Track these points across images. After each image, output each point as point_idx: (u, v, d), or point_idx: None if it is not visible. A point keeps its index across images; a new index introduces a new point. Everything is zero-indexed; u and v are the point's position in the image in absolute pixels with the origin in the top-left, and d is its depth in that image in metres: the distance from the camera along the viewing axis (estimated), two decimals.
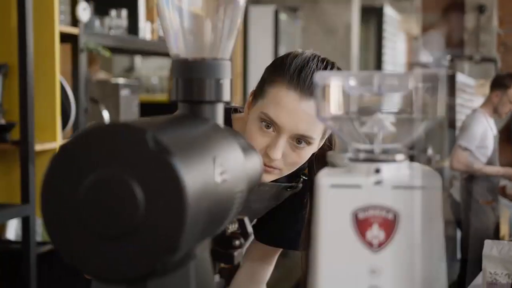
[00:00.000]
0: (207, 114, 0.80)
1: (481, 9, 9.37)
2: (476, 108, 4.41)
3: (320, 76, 0.70)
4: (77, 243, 0.62)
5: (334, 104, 0.71)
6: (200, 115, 0.80)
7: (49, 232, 0.62)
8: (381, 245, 0.67)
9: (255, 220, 1.46)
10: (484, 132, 4.18)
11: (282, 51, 5.66)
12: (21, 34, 2.33)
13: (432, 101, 0.69)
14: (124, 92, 2.98)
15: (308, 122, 1.21)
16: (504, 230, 4.67)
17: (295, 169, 1.28)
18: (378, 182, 0.67)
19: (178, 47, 0.82)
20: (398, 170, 0.69)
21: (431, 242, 0.67)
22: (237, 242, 0.83)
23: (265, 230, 1.44)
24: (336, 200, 0.68)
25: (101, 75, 3.77)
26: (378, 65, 7.39)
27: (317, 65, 1.25)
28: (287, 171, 1.27)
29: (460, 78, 7.25)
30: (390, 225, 0.67)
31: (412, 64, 9.28)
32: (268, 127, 1.23)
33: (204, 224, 0.65)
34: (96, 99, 2.92)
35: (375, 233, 0.67)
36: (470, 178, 4.28)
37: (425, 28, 10.03)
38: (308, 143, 1.23)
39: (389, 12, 7.51)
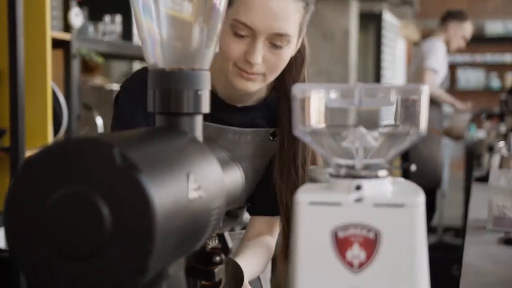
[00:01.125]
0: (185, 127, 0.78)
1: None
2: (430, 39, 4.57)
3: (299, 89, 0.68)
4: (41, 261, 0.59)
5: (314, 117, 0.69)
6: (178, 127, 0.77)
7: (11, 248, 0.59)
8: (362, 265, 0.64)
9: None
10: (443, 57, 4.35)
11: None
12: (12, 40, 2.30)
13: (415, 115, 0.66)
14: None
15: (282, 18, 1.17)
16: None
17: (278, 72, 1.25)
18: (358, 200, 0.65)
19: (156, 56, 0.79)
20: (380, 186, 0.66)
21: (414, 262, 0.64)
22: (217, 258, 0.80)
23: (259, 202, 1.42)
24: (315, 218, 0.65)
25: (98, 80, 3.75)
26: (377, 71, 7.37)
27: None
28: (271, 76, 1.24)
29: (387, 17, 7.23)
30: (371, 245, 0.64)
31: None
32: (242, 34, 1.19)
33: (176, 243, 0.63)
34: (90, 105, 2.89)
35: (356, 252, 0.64)
36: None
37: (425, 34, 10.03)
38: (286, 41, 1.20)
39: (388, 18, 7.49)
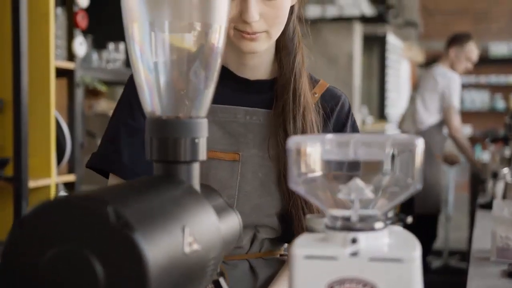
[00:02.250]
0: (182, 175, 0.78)
1: None
2: (437, 65, 4.56)
3: (293, 141, 0.68)
4: None
5: (309, 169, 0.68)
6: (175, 175, 0.77)
7: None
8: None
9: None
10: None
11: None
12: (16, 69, 2.32)
13: (410, 168, 0.66)
14: None
15: None
16: None
17: (282, 26, 1.17)
18: (354, 254, 0.64)
19: (153, 104, 0.80)
20: (376, 239, 0.66)
21: None
22: None
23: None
24: (310, 272, 0.65)
25: (103, 104, 3.76)
26: (381, 93, 7.38)
27: None
28: (275, 32, 1.17)
29: (391, 39, 7.23)
30: None
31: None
32: None
33: None
34: (93, 132, 2.90)
35: None
36: (427, 131, 4.35)
37: (429, 55, 10.06)
38: None
39: (392, 40, 7.51)
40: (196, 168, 0.79)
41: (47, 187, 2.47)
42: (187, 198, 0.72)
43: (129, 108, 1.23)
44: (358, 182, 0.68)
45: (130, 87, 1.23)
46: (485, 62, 10.02)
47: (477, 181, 4.68)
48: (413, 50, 8.86)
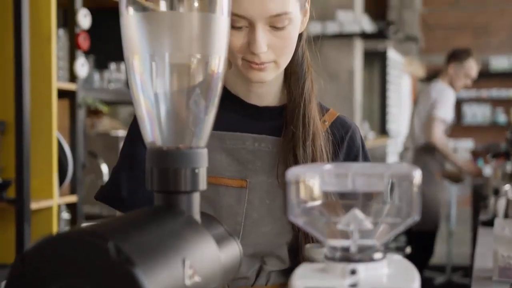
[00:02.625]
0: (183, 205, 0.78)
1: None
2: (437, 80, 4.56)
3: (292, 173, 0.68)
4: None
5: (307, 200, 0.69)
6: (176, 206, 0.78)
7: None
8: None
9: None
10: (453, 105, 4.39)
11: None
12: (18, 91, 2.33)
13: (408, 198, 0.67)
14: None
15: None
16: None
17: (291, 55, 1.16)
18: (353, 285, 0.65)
19: (153, 135, 0.80)
20: (375, 270, 0.67)
21: None
22: None
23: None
24: None
25: (106, 121, 3.77)
26: (383, 108, 7.39)
27: None
28: (284, 61, 1.16)
29: (391, 54, 7.24)
30: None
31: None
32: (239, 26, 1.12)
33: None
34: (95, 153, 2.91)
35: None
36: (425, 148, 4.34)
37: (430, 70, 10.10)
38: (287, 20, 1.12)
39: (393, 55, 7.53)
40: (196, 197, 0.80)
41: (49, 209, 2.47)
42: (187, 229, 0.73)
43: (131, 141, 1.24)
44: (357, 212, 0.69)
45: (135, 120, 1.24)
46: (486, 76, 10.05)
47: (479, 196, 4.67)
48: (414, 65, 8.89)
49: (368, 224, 0.68)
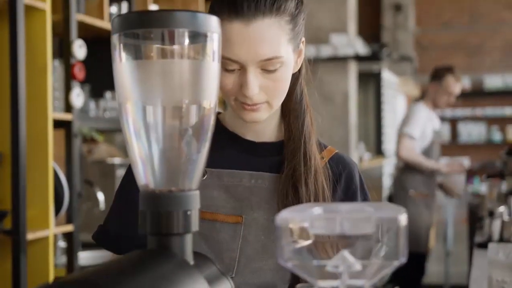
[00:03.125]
0: (176, 247, 0.80)
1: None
2: (419, 102, 4.61)
3: (282, 218, 0.70)
4: None
5: (296, 243, 0.71)
6: (169, 248, 0.79)
7: None
8: None
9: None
10: (425, 123, 4.36)
11: None
12: (14, 122, 2.35)
13: (395, 242, 0.68)
14: (120, 172, 2.99)
15: (265, 42, 1.10)
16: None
17: (283, 95, 1.17)
18: None
19: (146, 178, 0.82)
20: None
21: None
22: None
23: None
24: None
25: (103, 147, 3.78)
26: (378, 129, 7.42)
27: None
28: (276, 102, 1.17)
29: (386, 75, 7.28)
30: None
31: None
32: (231, 68, 1.13)
33: None
34: (91, 181, 2.92)
35: None
36: (404, 169, 4.35)
37: (424, 89, 10.15)
38: (279, 63, 1.12)
39: (387, 76, 7.58)
40: (189, 239, 0.81)
41: (45, 239, 2.47)
42: (179, 273, 0.74)
43: (125, 184, 1.26)
44: (346, 254, 0.71)
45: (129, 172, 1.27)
46: (481, 95, 10.11)
47: (475, 216, 4.68)
48: (408, 85, 8.94)
49: (357, 265, 0.70)
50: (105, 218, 1.29)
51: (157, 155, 0.81)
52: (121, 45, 0.79)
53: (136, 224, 1.14)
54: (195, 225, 0.81)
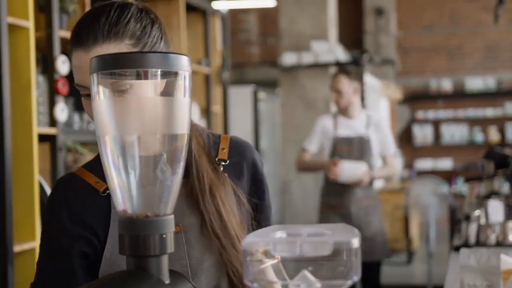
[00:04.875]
0: (152, 268, 0.87)
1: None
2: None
3: (246, 242, 0.77)
4: None
5: (260, 265, 0.78)
6: (146, 269, 0.86)
7: None
8: None
9: None
10: (321, 133, 4.20)
11: (263, 128, 5.78)
12: None
13: (348, 264, 0.76)
14: None
15: None
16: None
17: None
18: None
19: (124, 204, 0.89)
20: None
21: None
22: None
23: None
24: None
25: (88, 157, 3.82)
26: None
27: (102, 9, 1.19)
28: None
29: (368, 79, 7.40)
30: None
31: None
32: (85, 93, 1.18)
33: None
34: None
35: None
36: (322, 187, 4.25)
37: (407, 92, 10.28)
38: (129, 85, 1.10)
39: (369, 80, 7.68)
40: (165, 259, 0.88)
41: (32, 250, 2.53)
42: None
43: (48, 231, 1.26)
44: (306, 273, 0.78)
45: (50, 206, 1.26)
46: (462, 97, 10.25)
47: (455, 217, 4.76)
48: (391, 88, 9.04)
49: (317, 284, 0.77)
50: (36, 277, 1.26)
51: (134, 182, 0.88)
52: (99, 84, 0.86)
53: (69, 274, 1.18)
54: (170, 246, 0.89)
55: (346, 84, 4.08)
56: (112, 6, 1.20)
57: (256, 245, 0.77)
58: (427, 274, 5.61)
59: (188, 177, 1.26)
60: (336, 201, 4.13)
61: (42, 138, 2.67)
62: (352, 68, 4.29)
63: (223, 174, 1.29)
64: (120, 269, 1.20)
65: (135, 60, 0.85)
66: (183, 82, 0.88)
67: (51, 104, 2.70)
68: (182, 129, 0.89)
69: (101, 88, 0.87)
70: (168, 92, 0.87)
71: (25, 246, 2.48)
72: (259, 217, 1.33)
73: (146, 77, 0.86)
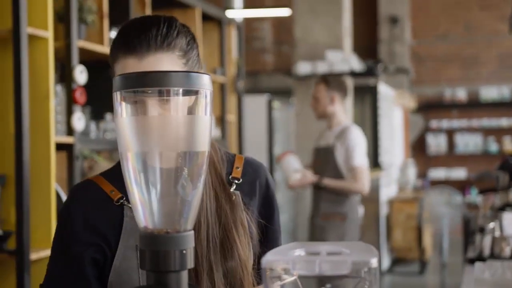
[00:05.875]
0: (172, 284, 0.88)
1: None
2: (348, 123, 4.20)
3: (266, 261, 0.78)
4: None
5: (280, 283, 0.79)
6: (166, 284, 0.88)
7: None
8: None
9: None
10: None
11: (277, 137, 5.79)
12: (18, 146, 2.43)
13: (367, 281, 0.77)
14: None
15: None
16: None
17: None
18: None
19: (146, 220, 0.90)
20: None
21: None
22: None
23: None
24: None
25: (103, 164, 3.85)
26: (375, 141, 7.50)
27: (150, 20, 1.22)
28: None
29: (382, 88, 7.38)
30: None
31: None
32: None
33: None
34: None
35: None
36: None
37: (421, 101, 10.25)
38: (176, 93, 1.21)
39: (384, 89, 7.67)
40: (184, 275, 0.90)
41: (48, 258, 2.55)
42: None
43: (61, 238, 1.27)
44: None
45: (66, 218, 1.27)
46: (477, 106, 10.21)
47: (469, 228, 4.74)
48: (405, 97, 9.03)
49: None
50: (45, 279, 1.27)
51: (155, 198, 0.90)
52: (122, 101, 0.87)
53: (78, 279, 1.18)
54: (190, 262, 0.90)
55: (323, 92, 4.02)
56: (160, 18, 1.22)
57: (276, 264, 0.79)
58: (440, 285, 5.59)
59: None
60: (311, 210, 4.12)
61: (59, 147, 2.70)
62: (337, 80, 4.14)
63: (234, 192, 1.29)
64: (129, 278, 1.22)
65: (158, 79, 0.87)
66: (205, 100, 0.89)
67: (69, 113, 2.73)
68: (203, 146, 0.90)
69: (123, 105, 0.88)
70: (189, 110, 0.89)
71: (42, 253, 2.51)
72: (266, 239, 1.33)
73: (168, 96, 0.87)
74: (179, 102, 0.88)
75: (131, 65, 1.19)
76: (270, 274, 0.79)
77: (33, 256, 2.46)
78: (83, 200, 1.27)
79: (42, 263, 2.55)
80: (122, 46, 1.20)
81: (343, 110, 4.12)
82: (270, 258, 0.79)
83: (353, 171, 3.92)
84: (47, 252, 2.54)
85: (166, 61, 1.19)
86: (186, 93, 0.88)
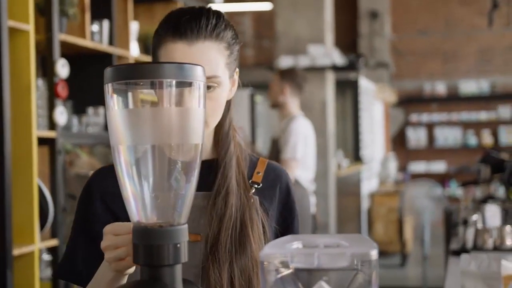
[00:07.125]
0: (166, 278, 0.87)
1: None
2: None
3: (264, 254, 0.77)
4: None
5: (278, 275, 0.78)
6: (160, 278, 0.86)
7: None
8: None
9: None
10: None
11: (259, 131, 5.78)
12: None
13: (366, 274, 0.76)
14: None
15: (207, 61, 1.18)
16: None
17: (219, 116, 1.24)
18: None
19: (138, 214, 0.89)
20: None
21: None
22: None
23: None
24: None
25: (84, 159, 3.81)
26: (356, 135, 7.53)
27: (200, 9, 1.24)
28: (213, 121, 1.23)
29: (363, 83, 7.42)
30: None
31: None
32: None
33: None
34: (75, 195, 2.97)
35: None
36: None
37: (401, 95, 10.30)
38: (216, 83, 1.20)
39: (364, 83, 7.70)
40: (178, 269, 0.89)
41: (31, 254, 2.52)
42: None
43: (85, 219, 1.27)
44: (323, 284, 0.78)
45: (86, 196, 1.27)
46: (456, 100, 10.28)
47: (451, 220, 4.76)
48: (385, 91, 9.06)
49: None
50: (66, 253, 1.27)
51: (148, 192, 0.88)
52: (114, 94, 0.86)
53: (101, 259, 1.17)
54: (184, 256, 0.89)
55: (276, 82, 4.09)
56: (209, 9, 1.25)
57: (273, 257, 0.78)
58: (422, 277, 5.62)
59: (219, 191, 1.26)
60: None
61: (41, 141, 2.66)
62: (293, 73, 4.17)
63: (252, 196, 1.28)
64: None
65: (150, 70, 0.85)
66: (198, 92, 0.88)
67: (51, 107, 2.70)
68: (197, 139, 0.89)
69: (115, 97, 0.87)
70: (182, 102, 0.87)
71: (25, 249, 2.48)
72: None
73: (161, 87, 0.86)
74: (171, 94, 0.86)
75: (180, 49, 1.19)
76: (267, 267, 0.78)
77: (16, 252, 2.42)
78: (104, 183, 1.26)
79: (25, 259, 2.52)
80: (171, 30, 1.20)
81: (295, 102, 4.11)
82: (267, 251, 0.78)
83: (282, 164, 3.79)
84: (29, 248, 2.51)
85: (214, 50, 1.21)
86: (179, 85, 0.86)
